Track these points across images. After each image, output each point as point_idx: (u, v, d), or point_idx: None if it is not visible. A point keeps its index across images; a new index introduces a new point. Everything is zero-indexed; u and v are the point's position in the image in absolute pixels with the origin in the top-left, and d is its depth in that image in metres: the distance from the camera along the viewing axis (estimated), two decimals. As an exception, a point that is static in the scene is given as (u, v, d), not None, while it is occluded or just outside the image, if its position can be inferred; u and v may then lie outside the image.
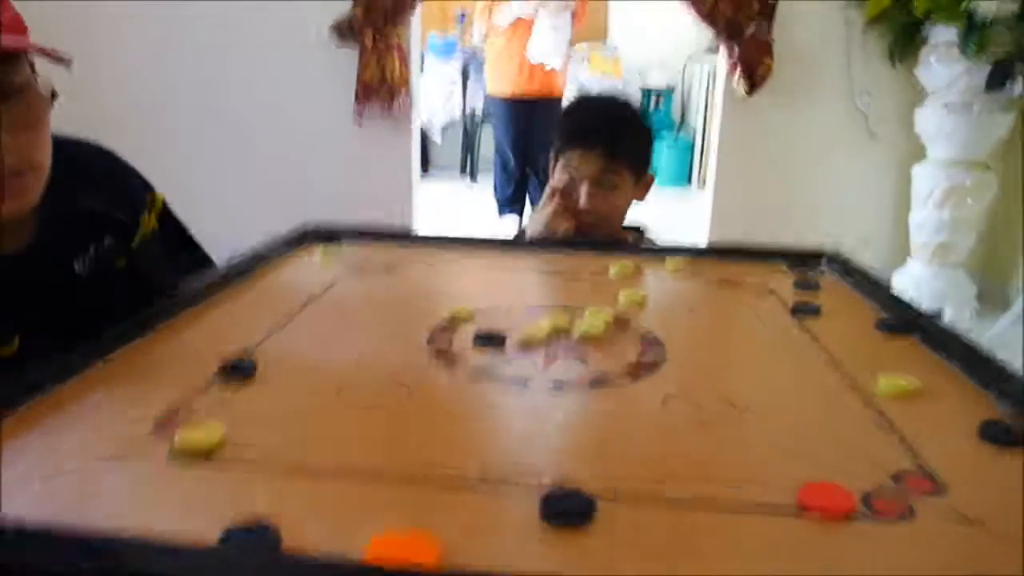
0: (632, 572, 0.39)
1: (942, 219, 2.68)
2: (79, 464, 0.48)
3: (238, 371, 0.62)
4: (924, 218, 2.74)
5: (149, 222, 0.95)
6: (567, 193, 1.23)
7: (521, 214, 4.14)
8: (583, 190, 1.21)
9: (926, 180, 2.71)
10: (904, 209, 2.89)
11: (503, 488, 0.47)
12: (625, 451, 0.53)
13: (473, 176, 5.58)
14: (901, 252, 2.92)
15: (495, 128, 4.10)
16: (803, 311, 0.83)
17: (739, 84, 2.89)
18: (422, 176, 3.57)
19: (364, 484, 0.47)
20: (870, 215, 3.01)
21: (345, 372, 0.65)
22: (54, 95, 0.77)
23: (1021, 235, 2.76)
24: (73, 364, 0.61)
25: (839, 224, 2.87)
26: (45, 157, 0.78)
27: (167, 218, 1.00)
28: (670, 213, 3.53)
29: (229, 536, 0.39)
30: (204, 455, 0.49)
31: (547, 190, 1.27)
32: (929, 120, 2.70)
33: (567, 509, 0.43)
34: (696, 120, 5.75)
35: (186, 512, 0.44)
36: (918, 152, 2.85)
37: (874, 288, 0.90)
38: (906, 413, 0.59)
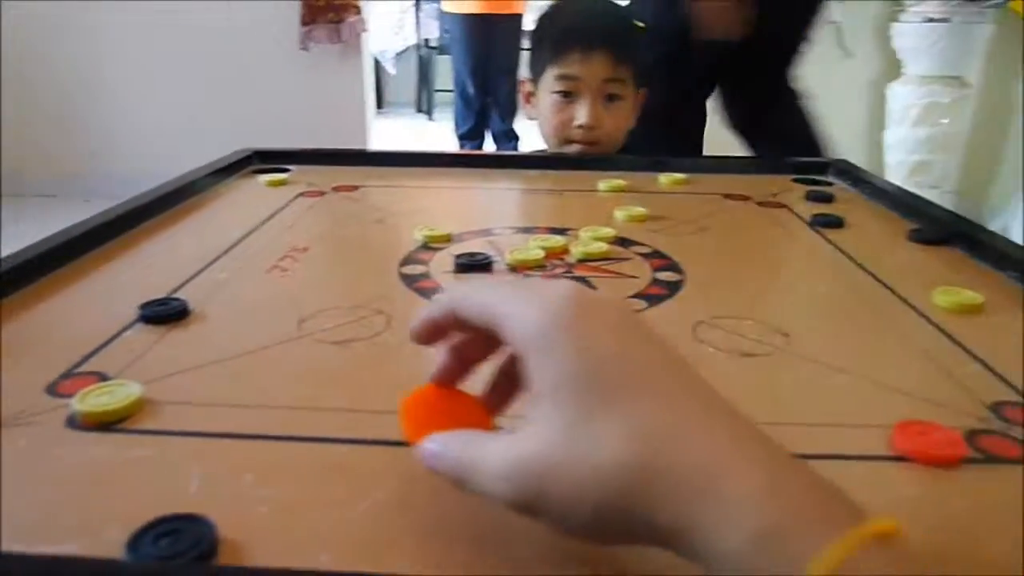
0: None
1: (917, 138, 2.59)
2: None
3: (164, 311, 0.49)
4: (899, 137, 2.66)
5: None
6: (565, 120, 1.02)
7: (482, 148, 3.95)
8: (584, 103, 1.00)
9: (902, 98, 2.61)
10: (877, 129, 2.80)
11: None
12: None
13: (429, 113, 5.32)
14: (875, 173, 2.83)
15: (453, 53, 3.86)
16: (824, 224, 0.74)
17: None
18: (376, 113, 3.36)
19: (341, 446, 0.35)
20: (842, 135, 2.91)
21: (306, 302, 0.53)
22: None
23: (1000, 155, 2.70)
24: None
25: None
26: None
27: None
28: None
29: (138, 540, 0.27)
30: (113, 421, 0.37)
31: (542, 115, 1.05)
32: (907, 34, 2.59)
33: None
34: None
35: (83, 503, 0.31)
36: (893, 70, 2.75)
37: (894, 197, 0.83)
38: (977, 333, 0.50)
